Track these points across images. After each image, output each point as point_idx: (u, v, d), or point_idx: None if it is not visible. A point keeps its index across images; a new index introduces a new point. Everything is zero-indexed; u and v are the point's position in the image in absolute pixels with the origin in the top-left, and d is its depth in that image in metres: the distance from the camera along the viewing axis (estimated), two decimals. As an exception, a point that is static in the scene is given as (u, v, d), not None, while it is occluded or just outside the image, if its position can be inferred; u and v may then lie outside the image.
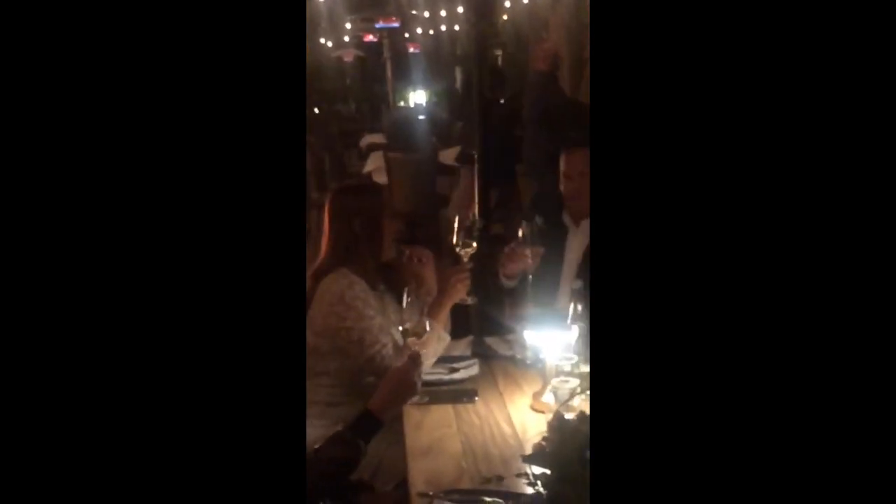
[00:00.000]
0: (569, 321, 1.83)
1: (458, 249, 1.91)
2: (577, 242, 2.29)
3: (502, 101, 5.30)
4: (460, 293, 1.90)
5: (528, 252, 2.06)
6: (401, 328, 1.66)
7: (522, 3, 6.79)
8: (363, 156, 6.94)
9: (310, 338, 1.80)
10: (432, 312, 1.85)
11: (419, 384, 1.62)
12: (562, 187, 2.28)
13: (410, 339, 1.64)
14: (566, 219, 2.32)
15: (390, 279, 1.98)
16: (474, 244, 1.92)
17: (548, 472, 1.44)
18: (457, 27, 9.19)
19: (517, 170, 5.22)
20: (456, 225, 1.95)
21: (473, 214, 1.94)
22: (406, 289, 1.68)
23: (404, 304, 1.66)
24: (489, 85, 4.39)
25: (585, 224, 2.26)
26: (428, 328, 1.66)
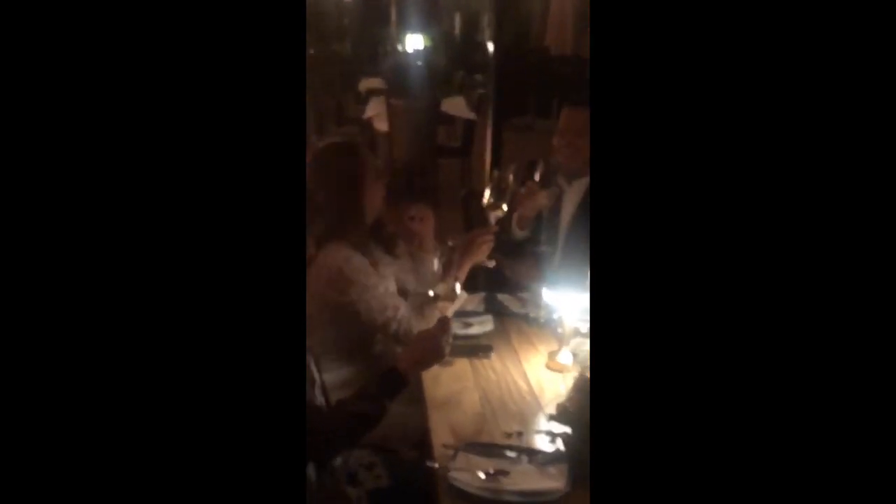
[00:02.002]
0: (588, 283, 1.86)
1: (487, 211, 1.92)
2: (570, 202, 2.34)
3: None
4: (484, 254, 1.93)
5: (541, 194, 2.08)
6: (431, 293, 1.68)
7: None
8: (362, 101, 6.85)
9: (311, 309, 1.79)
10: (455, 268, 1.87)
11: (447, 349, 1.66)
12: (554, 142, 2.30)
13: (442, 304, 1.66)
14: (559, 179, 2.35)
15: (388, 240, 1.99)
16: (504, 206, 1.92)
17: (569, 431, 1.55)
18: None
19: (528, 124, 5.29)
20: (488, 183, 1.95)
21: (503, 173, 1.94)
22: (428, 258, 1.69)
23: (435, 268, 1.68)
24: (508, 32, 4.35)
25: (577, 184, 2.30)
26: (458, 292, 1.68)
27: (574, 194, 2.33)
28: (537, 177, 2.10)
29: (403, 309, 1.85)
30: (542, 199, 2.14)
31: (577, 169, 2.27)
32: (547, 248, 2.24)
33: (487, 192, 1.94)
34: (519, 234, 2.27)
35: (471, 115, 5.46)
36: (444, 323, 1.66)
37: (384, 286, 1.86)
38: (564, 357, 1.91)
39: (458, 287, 1.76)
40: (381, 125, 5.50)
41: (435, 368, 1.84)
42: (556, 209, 2.33)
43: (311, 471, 1.58)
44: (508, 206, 2.05)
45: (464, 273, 1.94)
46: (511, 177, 1.87)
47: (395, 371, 1.62)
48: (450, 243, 2.00)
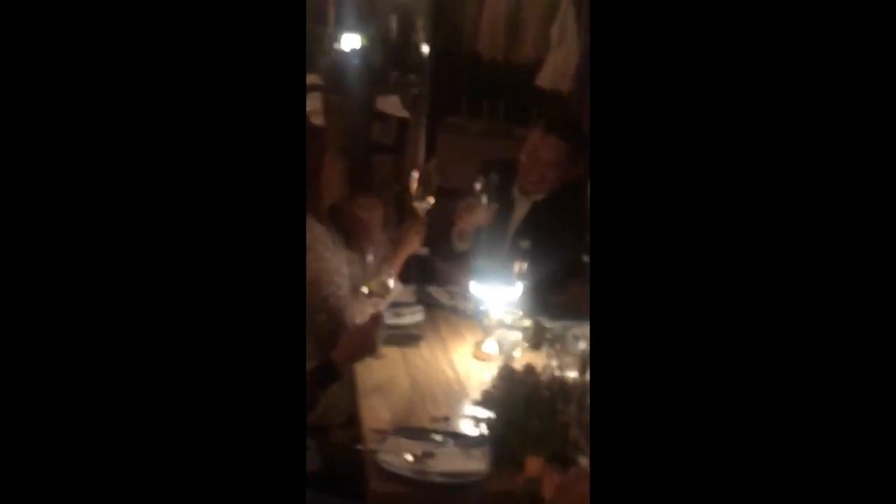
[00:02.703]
0: (514, 276, 2.00)
1: (415, 203, 2.02)
2: (521, 211, 2.44)
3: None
4: (416, 245, 2.03)
5: (481, 209, 2.18)
6: (365, 289, 1.76)
7: None
8: None
9: None
10: (389, 261, 1.96)
11: (380, 345, 1.76)
12: (522, 160, 2.41)
13: (374, 300, 1.77)
14: (516, 190, 2.45)
15: (341, 222, 2.08)
16: (431, 199, 2.03)
17: (493, 416, 1.63)
18: None
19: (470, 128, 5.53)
20: (415, 176, 2.05)
21: (427, 166, 2.03)
22: (370, 249, 1.78)
23: (368, 262, 1.75)
24: (442, 35, 4.51)
25: (530, 198, 2.41)
26: (391, 286, 1.77)
27: (525, 205, 2.44)
28: (479, 190, 2.20)
29: (345, 289, 1.96)
30: (481, 215, 2.24)
31: (536, 186, 2.40)
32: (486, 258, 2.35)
33: (416, 185, 2.03)
34: (459, 246, 2.37)
35: (404, 114, 5.62)
36: (376, 318, 1.77)
37: (336, 264, 1.97)
38: (490, 347, 2.02)
39: (391, 281, 1.85)
40: (318, 120, 5.59)
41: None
42: (505, 220, 2.43)
43: None
44: (452, 220, 2.18)
45: (399, 264, 2.03)
46: (431, 171, 1.97)
47: (329, 363, 1.73)
48: (385, 236, 2.08)
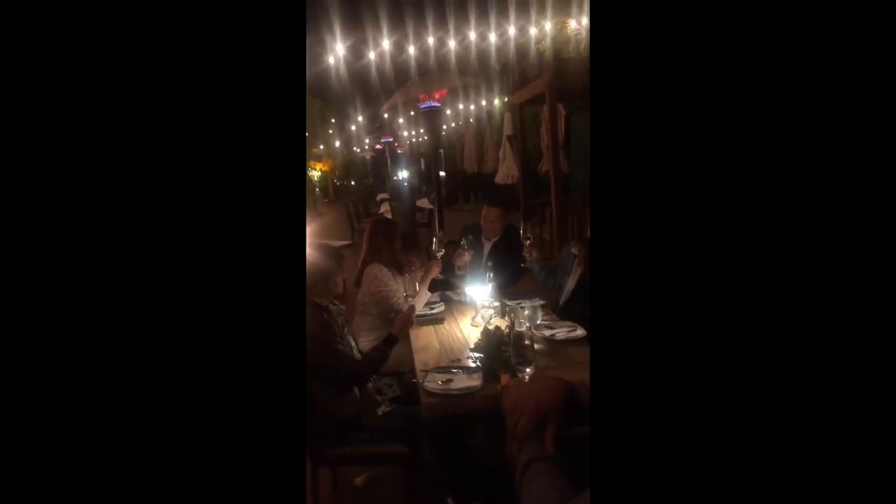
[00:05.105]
0: (487, 282, 3.18)
1: (435, 251, 3.28)
2: (486, 249, 3.82)
3: (443, 174, 8.94)
4: (436, 272, 3.28)
5: (466, 253, 3.53)
6: (405, 294, 3.05)
7: (452, 125, 15.61)
8: (378, 204, 13.55)
9: (361, 297, 3.19)
10: (421, 282, 3.19)
11: (415, 320, 2.86)
12: (482, 223, 3.80)
13: (409, 298, 3.01)
14: (483, 238, 3.80)
15: (399, 266, 3.37)
16: (443, 250, 3.30)
17: (482, 356, 2.33)
18: (422, 138, 18.65)
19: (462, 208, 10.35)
20: (434, 240, 3.33)
21: (439, 234, 3.47)
22: (406, 273, 3.08)
23: (406, 281, 3.06)
24: (446, 164, 7.62)
25: (490, 241, 3.80)
26: (418, 291, 3.04)
27: (488, 244, 3.82)
28: (463, 244, 3.59)
29: (399, 297, 3.15)
30: (467, 257, 3.60)
31: (492, 234, 3.77)
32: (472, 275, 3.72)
33: (435, 243, 3.29)
34: (458, 273, 3.68)
35: (431, 206, 9.66)
36: (412, 309, 2.83)
37: (394, 286, 3.19)
38: (478, 319, 3.08)
39: (426, 290, 3.15)
40: (388, 215, 9.61)
41: (416, 331, 2.94)
42: (479, 254, 3.80)
43: (356, 391, 2.54)
44: (452, 261, 3.57)
45: (427, 281, 3.25)
46: (443, 236, 3.33)
47: (391, 335, 2.68)
48: (419, 272, 3.41)
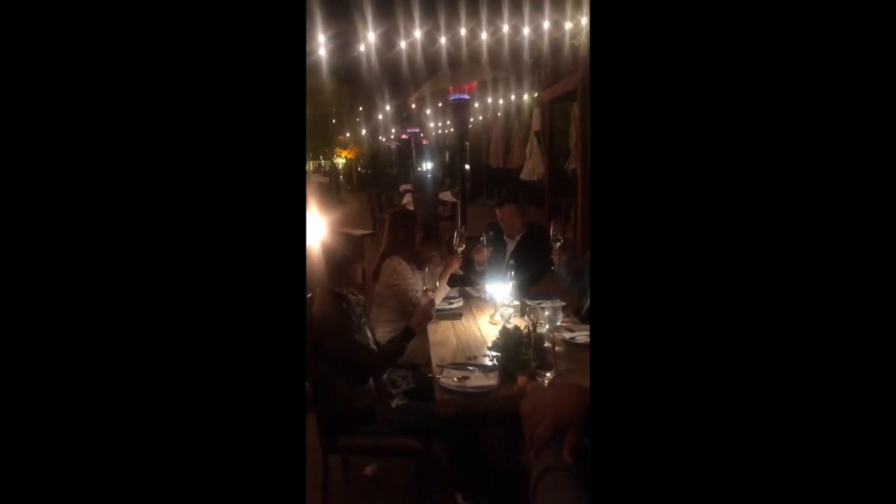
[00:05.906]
0: (507, 280, 3.16)
1: (455, 246, 3.26)
2: (509, 246, 3.79)
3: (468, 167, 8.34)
4: (456, 267, 3.27)
5: (485, 250, 3.51)
6: (424, 287, 3.02)
7: (479, 118, 15.95)
8: (401, 195, 13.55)
9: (379, 289, 3.18)
10: (441, 277, 3.16)
11: (434, 315, 2.85)
12: (499, 219, 3.79)
13: (429, 293, 2.97)
14: (505, 235, 3.77)
15: (419, 259, 3.35)
16: (464, 245, 3.27)
17: (499, 354, 2.27)
18: (448, 130, 19.13)
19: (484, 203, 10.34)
20: (456, 234, 3.31)
21: (461, 228, 3.45)
22: (426, 268, 3.05)
23: (426, 275, 3.03)
24: (467, 161, 6.88)
25: (513, 239, 3.77)
26: (437, 286, 3.00)
27: (512, 243, 3.78)
28: (483, 240, 3.56)
29: (419, 291, 3.13)
30: (486, 254, 3.59)
31: (513, 232, 3.74)
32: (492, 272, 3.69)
33: (456, 238, 3.26)
34: (478, 269, 3.67)
35: (454, 200, 9.53)
36: (431, 303, 2.81)
37: (415, 281, 3.18)
38: (497, 317, 3.01)
39: (445, 285, 3.14)
40: (411, 207, 9.76)
41: (434, 326, 2.93)
42: (502, 252, 3.79)
43: (371, 382, 2.54)
44: (471, 257, 3.57)
45: (446, 276, 3.24)
46: (464, 230, 3.30)
47: (409, 328, 2.67)
48: (442, 262, 3.38)
